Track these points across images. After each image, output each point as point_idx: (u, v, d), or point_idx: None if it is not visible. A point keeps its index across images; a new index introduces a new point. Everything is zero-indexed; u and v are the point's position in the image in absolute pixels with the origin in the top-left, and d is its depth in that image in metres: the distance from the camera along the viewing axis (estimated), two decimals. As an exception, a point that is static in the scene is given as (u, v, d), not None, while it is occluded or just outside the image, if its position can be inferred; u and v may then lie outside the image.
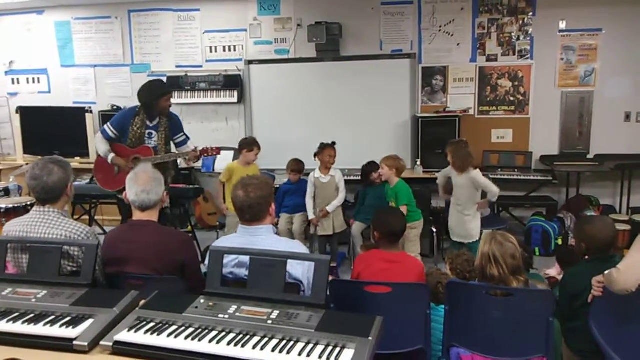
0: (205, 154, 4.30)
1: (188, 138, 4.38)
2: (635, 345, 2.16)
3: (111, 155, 4.07)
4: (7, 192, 4.73)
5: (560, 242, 4.95)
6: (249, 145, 4.78)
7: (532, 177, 5.44)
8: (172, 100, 6.09)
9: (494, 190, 4.12)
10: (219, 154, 4.43)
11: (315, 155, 4.77)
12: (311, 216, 4.76)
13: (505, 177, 5.38)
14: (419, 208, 4.43)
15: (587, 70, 5.51)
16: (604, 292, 2.16)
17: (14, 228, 2.34)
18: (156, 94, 4.12)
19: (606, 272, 2.10)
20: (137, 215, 2.40)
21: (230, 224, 4.74)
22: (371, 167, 4.74)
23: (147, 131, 4.13)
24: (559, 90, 5.58)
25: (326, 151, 4.70)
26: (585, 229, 2.53)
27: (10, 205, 4.20)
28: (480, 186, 4.15)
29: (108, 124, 4.16)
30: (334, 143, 4.79)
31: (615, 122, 5.50)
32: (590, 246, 2.49)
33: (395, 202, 4.27)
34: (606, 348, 2.17)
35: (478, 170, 4.21)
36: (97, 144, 4.13)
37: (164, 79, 6.19)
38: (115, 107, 6.24)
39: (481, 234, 4.43)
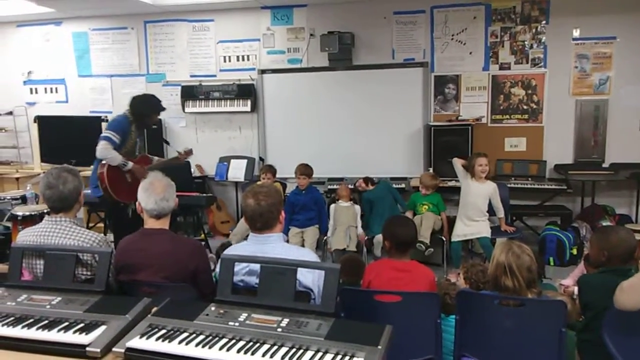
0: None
1: None
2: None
3: (130, 164, 3.98)
4: (24, 199, 4.80)
5: (575, 251, 4.88)
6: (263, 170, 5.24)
7: (546, 186, 5.39)
8: (187, 109, 6.31)
9: (501, 207, 4.67)
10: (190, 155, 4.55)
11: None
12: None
13: (519, 185, 5.34)
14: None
15: (602, 78, 5.46)
16: None
17: (28, 238, 2.37)
18: (155, 108, 4.21)
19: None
20: (150, 224, 2.42)
21: (236, 233, 4.86)
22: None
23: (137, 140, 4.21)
24: (573, 99, 5.54)
25: (342, 187, 5.16)
26: (611, 238, 2.47)
27: (27, 213, 4.26)
28: (497, 197, 4.61)
29: (110, 131, 3.94)
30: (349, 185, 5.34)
31: (631, 130, 5.43)
32: (612, 256, 2.45)
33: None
34: (621, 361, 2.14)
35: None
36: (108, 153, 3.87)
37: (179, 89, 6.29)
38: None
39: (494, 240, 4.45)
